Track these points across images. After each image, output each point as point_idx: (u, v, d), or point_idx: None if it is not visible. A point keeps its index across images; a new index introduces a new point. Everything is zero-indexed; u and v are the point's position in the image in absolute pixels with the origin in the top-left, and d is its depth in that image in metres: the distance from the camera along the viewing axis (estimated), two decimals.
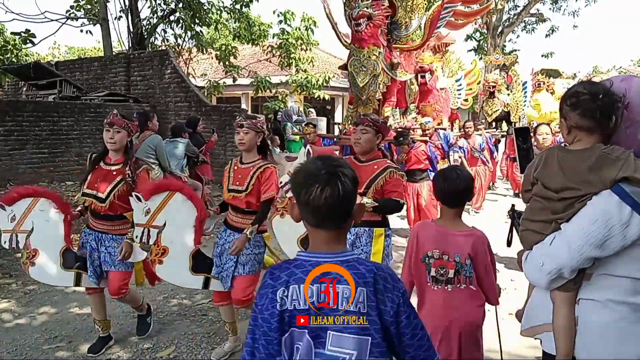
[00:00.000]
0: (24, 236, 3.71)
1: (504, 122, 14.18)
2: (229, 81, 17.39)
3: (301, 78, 16.91)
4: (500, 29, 28.76)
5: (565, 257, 1.86)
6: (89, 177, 3.86)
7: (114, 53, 15.74)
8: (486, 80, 13.35)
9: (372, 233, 3.69)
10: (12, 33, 16.61)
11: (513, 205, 2.48)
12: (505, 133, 13.09)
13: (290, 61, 16.76)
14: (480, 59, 24.48)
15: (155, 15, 15.34)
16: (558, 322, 1.95)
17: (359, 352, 1.48)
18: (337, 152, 7.87)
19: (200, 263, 3.75)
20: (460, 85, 13.05)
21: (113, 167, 3.85)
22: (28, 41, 15.09)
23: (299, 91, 17.37)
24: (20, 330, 4.42)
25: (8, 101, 11.86)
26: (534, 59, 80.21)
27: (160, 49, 15.37)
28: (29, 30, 14.79)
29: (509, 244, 2.49)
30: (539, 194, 2.02)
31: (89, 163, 4.00)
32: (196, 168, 8.47)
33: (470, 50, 32.74)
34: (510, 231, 2.48)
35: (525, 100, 14.29)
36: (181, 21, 14.68)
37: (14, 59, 16.65)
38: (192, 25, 15.06)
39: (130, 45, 15.38)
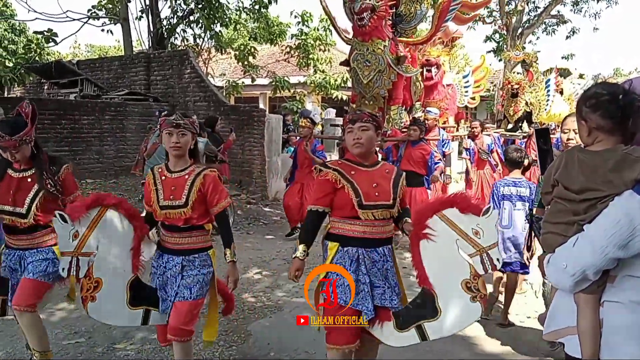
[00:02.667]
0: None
1: (524, 122, 13.74)
2: (248, 81, 17.49)
3: (319, 78, 16.94)
4: (520, 30, 28.47)
5: (589, 258, 1.85)
6: None
7: (134, 52, 15.89)
8: (508, 80, 12.91)
9: (392, 249, 3.08)
10: (34, 32, 16.83)
11: (531, 210, 2.49)
12: (526, 134, 12.70)
13: (309, 61, 16.80)
14: (500, 60, 24.26)
15: (175, 15, 15.46)
16: (583, 324, 1.94)
17: None
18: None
19: (138, 293, 3.10)
20: (468, 82, 12.61)
21: (26, 174, 3.27)
22: (50, 40, 15.28)
23: (317, 91, 17.41)
24: None
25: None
26: (554, 60, 79.46)
27: (179, 48, 15.49)
28: (51, 30, 14.98)
29: (528, 248, 2.52)
30: (560, 196, 2.02)
31: None
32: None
33: (490, 52, 32.50)
34: (530, 236, 2.48)
35: (547, 99, 13.87)
36: (200, 21, 14.77)
37: (36, 58, 16.87)
38: (211, 26, 15.15)
39: (150, 44, 15.52)
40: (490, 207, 2.61)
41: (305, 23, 16.60)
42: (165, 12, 19.38)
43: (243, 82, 17.51)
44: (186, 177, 3.12)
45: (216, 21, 15.24)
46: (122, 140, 11.63)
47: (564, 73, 18.65)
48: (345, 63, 7.77)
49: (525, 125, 13.34)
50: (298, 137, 8.48)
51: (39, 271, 3.23)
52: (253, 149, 11.44)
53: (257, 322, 4.68)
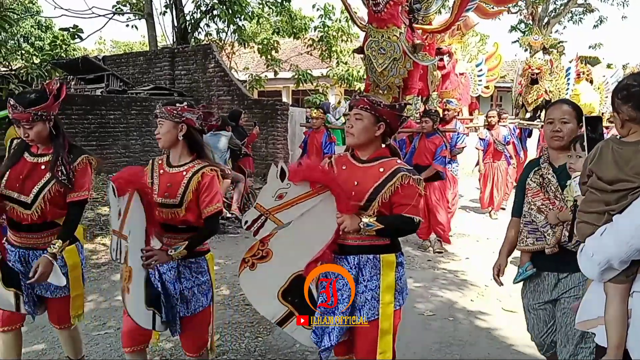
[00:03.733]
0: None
1: (543, 110, 13.29)
2: (271, 75, 17.54)
3: (342, 70, 16.91)
4: (546, 19, 28.03)
5: (613, 248, 1.84)
6: (6, 173, 2.86)
7: (158, 47, 16.05)
8: (528, 65, 12.41)
9: (378, 262, 2.62)
10: (60, 29, 17.09)
11: (575, 201, 2.49)
12: (544, 123, 12.11)
13: (331, 54, 16.78)
14: (526, 50, 23.87)
15: (199, 9, 15.55)
16: (610, 313, 1.93)
17: None
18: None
19: (151, 293, 2.69)
20: (481, 70, 12.22)
21: (41, 159, 2.88)
22: (76, 36, 15.50)
23: (340, 84, 17.39)
24: None
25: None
26: (581, 50, 77.92)
27: (203, 43, 15.59)
28: (77, 26, 15.20)
29: (569, 239, 2.55)
30: (594, 186, 2.02)
31: (8, 150, 3.06)
32: (239, 161, 8.58)
33: (515, 42, 32.07)
34: (571, 226, 2.50)
35: (567, 88, 13.44)
36: (223, 15, 14.85)
37: (62, 54, 17.13)
38: (234, 20, 15.22)
39: (174, 39, 15.66)
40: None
41: (328, 15, 16.58)
42: (188, 7, 19.51)
43: (266, 76, 17.58)
44: (184, 173, 2.81)
45: (239, 15, 15.30)
46: (147, 135, 11.78)
47: (593, 62, 18.17)
48: (359, 50, 7.52)
49: (544, 114, 12.80)
50: (310, 128, 8.48)
51: (54, 288, 2.94)
52: (276, 142, 11.52)
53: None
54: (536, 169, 2.83)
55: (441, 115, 7.37)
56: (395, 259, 2.65)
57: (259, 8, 17.04)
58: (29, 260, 2.89)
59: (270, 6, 16.80)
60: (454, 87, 9.96)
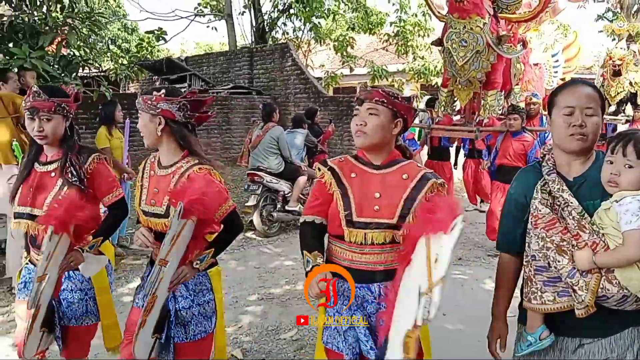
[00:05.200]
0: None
1: (628, 104, 12.36)
2: (346, 71, 17.62)
3: (418, 65, 16.74)
4: (635, 7, 26.43)
5: None
6: (19, 189, 2.59)
7: (237, 47, 16.52)
8: (609, 56, 11.38)
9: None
10: (146, 32, 17.96)
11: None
12: (629, 118, 11.19)
13: (407, 49, 16.64)
14: (614, 39, 22.64)
15: (276, 9, 15.89)
16: None
17: None
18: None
19: (161, 317, 2.24)
20: (557, 61, 11.51)
21: (50, 167, 2.58)
22: (160, 38, 16.25)
23: (416, 79, 17.22)
24: None
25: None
26: None
27: (280, 42, 15.90)
28: (161, 28, 15.91)
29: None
30: None
31: (21, 166, 2.77)
32: (314, 158, 8.72)
33: (601, 31, 30.48)
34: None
35: None
36: (300, 14, 15.10)
37: (148, 55, 17.98)
38: (310, 18, 15.42)
39: (253, 39, 16.08)
40: (458, 219, 1.62)
41: (404, 10, 16.46)
42: (266, 6, 19.92)
43: (341, 73, 17.68)
44: (171, 176, 2.33)
45: (315, 13, 15.49)
46: (227, 133, 12.20)
47: None
48: (438, 42, 6.99)
49: (628, 107, 11.95)
50: None
51: (80, 315, 2.62)
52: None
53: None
54: (541, 184, 1.92)
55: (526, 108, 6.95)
56: None
57: (335, 5, 17.16)
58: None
59: (346, 3, 16.88)
60: (528, 79, 9.43)
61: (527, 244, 1.94)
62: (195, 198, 2.09)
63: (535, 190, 1.91)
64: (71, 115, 2.60)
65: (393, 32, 16.87)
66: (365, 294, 2.12)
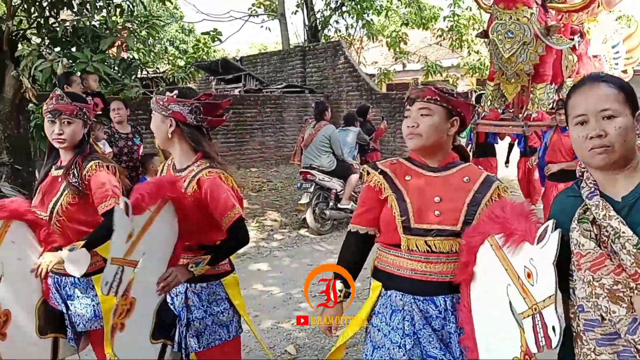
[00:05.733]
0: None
1: None
2: (399, 67, 17.50)
3: (474, 60, 16.45)
4: None
5: None
6: (37, 193, 2.60)
7: (290, 46, 16.69)
8: None
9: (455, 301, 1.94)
10: (202, 33, 18.38)
11: None
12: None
13: (462, 43, 16.38)
14: None
15: (328, 7, 15.95)
16: None
17: None
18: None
19: (161, 321, 2.23)
20: (618, 52, 11.00)
21: (61, 172, 2.56)
22: (216, 39, 16.60)
23: (471, 73, 16.93)
24: None
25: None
26: None
27: (333, 40, 15.95)
28: (217, 29, 16.26)
29: None
30: None
31: (41, 170, 2.73)
32: (367, 155, 8.73)
33: None
34: None
35: None
36: (353, 11, 15.10)
37: (204, 56, 18.39)
38: (363, 14, 15.40)
39: (305, 38, 16.20)
40: (548, 226, 1.42)
41: (457, 4, 16.20)
42: (318, 5, 20.02)
43: (394, 69, 17.57)
44: (184, 180, 2.28)
45: (368, 10, 15.45)
46: (281, 131, 12.35)
47: None
48: (483, 34, 6.86)
49: None
50: None
51: (89, 319, 2.53)
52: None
53: None
54: (581, 211, 1.48)
55: None
56: None
57: (388, 1, 17.06)
58: (62, 288, 2.55)
59: None
60: (587, 71, 9.09)
61: (571, 290, 1.48)
62: (138, 188, 2.08)
63: (572, 221, 1.46)
64: (90, 123, 2.60)
65: (447, 26, 16.64)
66: (429, 308, 1.94)
